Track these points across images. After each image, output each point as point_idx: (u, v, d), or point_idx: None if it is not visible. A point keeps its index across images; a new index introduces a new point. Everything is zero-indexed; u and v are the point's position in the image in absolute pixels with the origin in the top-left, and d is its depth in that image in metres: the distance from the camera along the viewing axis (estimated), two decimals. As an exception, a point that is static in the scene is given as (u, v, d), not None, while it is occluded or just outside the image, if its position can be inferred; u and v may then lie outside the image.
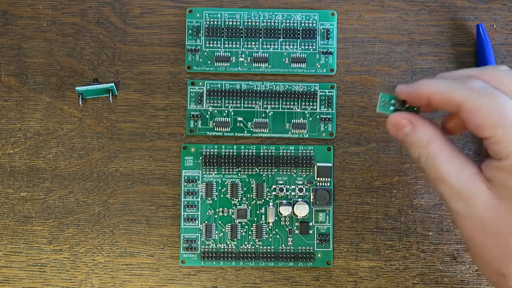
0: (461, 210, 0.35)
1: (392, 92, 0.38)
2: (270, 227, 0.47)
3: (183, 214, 0.47)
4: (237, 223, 0.47)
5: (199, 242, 0.47)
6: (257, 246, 0.47)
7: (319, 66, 0.48)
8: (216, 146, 0.48)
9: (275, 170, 0.47)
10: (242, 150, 0.48)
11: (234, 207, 0.47)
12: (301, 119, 0.48)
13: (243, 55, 0.48)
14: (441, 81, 0.36)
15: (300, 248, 0.47)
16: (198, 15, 0.48)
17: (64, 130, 0.48)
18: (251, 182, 0.47)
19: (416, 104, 0.38)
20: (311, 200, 0.47)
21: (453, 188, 0.35)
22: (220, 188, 0.47)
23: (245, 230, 0.47)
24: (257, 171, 0.47)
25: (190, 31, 0.48)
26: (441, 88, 0.36)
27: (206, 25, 0.48)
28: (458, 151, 0.36)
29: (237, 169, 0.47)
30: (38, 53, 0.48)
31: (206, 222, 0.47)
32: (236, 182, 0.47)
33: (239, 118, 0.48)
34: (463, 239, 0.38)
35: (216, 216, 0.47)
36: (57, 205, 0.48)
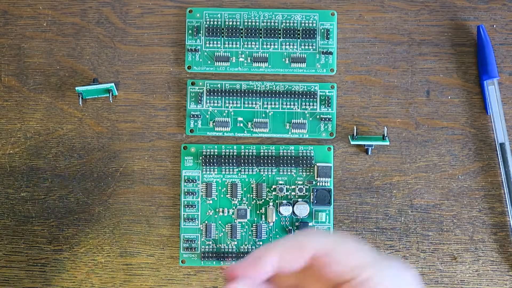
0: None
1: None
2: (270, 227, 0.47)
3: (183, 214, 0.47)
4: (237, 223, 0.47)
5: (199, 242, 0.47)
6: (257, 246, 0.47)
7: (319, 66, 0.48)
8: (216, 146, 0.48)
9: (275, 170, 0.47)
10: (242, 150, 0.48)
11: (234, 207, 0.47)
12: (301, 119, 0.48)
13: (243, 55, 0.48)
14: (282, 240, 0.33)
15: (300, 248, 0.47)
16: (198, 15, 0.48)
17: (64, 130, 0.48)
18: (251, 182, 0.47)
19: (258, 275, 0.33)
20: (311, 200, 0.47)
21: None
22: (220, 188, 0.47)
23: (245, 230, 0.47)
24: (257, 171, 0.47)
25: (190, 31, 0.48)
26: (289, 243, 0.32)
27: (206, 25, 0.48)
28: None
29: (237, 169, 0.47)
30: (38, 53, 0.48)
31: (206, 222, 0.47)
32: (236, 182, 0.47)
33: (239, 118, 0.48)
34: None
35: (216, 216, 0.47)
36: (57, 205, 0.48)
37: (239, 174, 0.47)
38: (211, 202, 0.47)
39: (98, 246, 0.47)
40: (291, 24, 0.48)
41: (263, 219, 0.47)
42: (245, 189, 0.47)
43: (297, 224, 0.47)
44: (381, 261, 0.32)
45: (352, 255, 0.32)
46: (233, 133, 0.48)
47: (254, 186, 0.47)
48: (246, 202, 0.47)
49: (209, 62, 0.48)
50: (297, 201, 0.47)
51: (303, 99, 0.48)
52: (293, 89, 0.48)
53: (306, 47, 0.48)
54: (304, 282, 0.34)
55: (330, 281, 0.32)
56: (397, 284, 0.31)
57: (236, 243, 0.47)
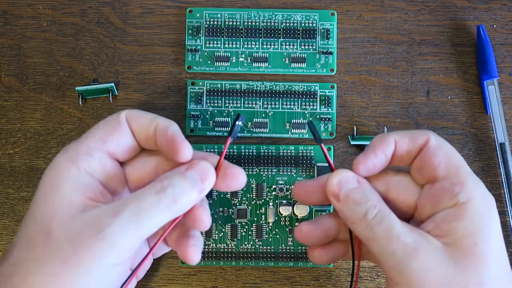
0: (420, 270, 0.32)
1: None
2: (270, 227, 0.47)
3: (183, 214, 0.47)
4: (237, 223, 0.47)
5: (199, 242, 0.47)
6: (257, 246, 0.47)
7: (319, 66, 0.48)
8: (216, 146, 0.48)
9: (275, 170, 0.47)
10: (242, 150, 0.48)
11: (234, 207, 0.47)
12: (301, 119, 0.48)
13: (243, 55, 0.48)
14: (399, 131, 0.37)
15: (300, 248, 0.47)
16: (198, 15, 0.48)
17: (64, 130, 0.48)
18: (251, 182, 0.47)
19: (379, 154, 0.36)
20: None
21: (408, 245, 0.32)
22: (220, 188, 0.47)
23: (245, 230, 0.47)
24: (257, 171, 0.47)
25: (190, 31, 0.48)
26: (405, 131, 0.36)
27: (206, 25, 0.48)
28: None
29: (237, 169, 0.47)
30: (38, 53, 0.48)
31: (206, 222, 0.47)
32: (236, 182, 0.47)
33: (239, 118, 0.48)
34: None
35: (216, 216, 0.47)
36: (57, 205, 0.48)
37: (239, 174, 0.47)
38: (211, 202, 0.47)
39: (98, 246, 0.47)
40: (291, 24, 0.48)
41: (263, 219, 0.47)
42: (245, 189, 0.47)
43: (297, 224, 0.47)
44: (475, 176, 0.35)
45: (454, 159, 0.35)
46: (233, 133, 0.48)
47: (254, 186, 0.47)
48: (246, 202, 0.47)
49: (209, 62, 0.48)
50: (297, 201, 0.47)
51: (303, 99, 0.48)
52: (293, 89, 0.48)
53: (306, 47, 0.48)
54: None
55: (425, 172, 0.35)
56: (481, 197, 0.33)
57: (236, 243, 0.47)
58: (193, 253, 0.38)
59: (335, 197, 0.35)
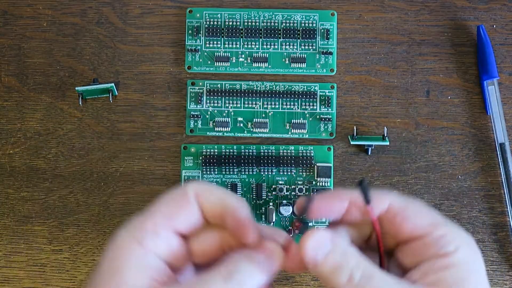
0: None
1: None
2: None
3: (183, 214, 0.47)
4: (237, 223, 0.47)
5: (199, 242, 0.47)
6: (257, 246, 0.47)
7: (319, 66, 0.48)
8: (216, 146, 0.48)
9: (275, 170, 0.47)
10: (242, 150, 0.48)
11: (234, 207, 0.47)
12: (301, 119, 0.48)
13: (243, 55, 0.48)
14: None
15: (300, 248, 0.47)
16: (198, 15, 0.48)
17: (64, 130, 0.48)
18: (251, 182, 0.47)
19: (332, 212, 0.34)
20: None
21: None
22: (220, 188, 0.47)
23: (245, 230, 0.47)
24: (257, 171, 0.47)
25: (190, 31, 0.48)
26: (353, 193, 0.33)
27: (206, 25, 0.48)
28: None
29: (237, 169, 0.47)
30: (38, 53, 0.48)
31: (206, 222, 0.47)
32: (236, 182, 0.47)
33: (239, 118, 0.48)
34: None
35: (216, 216, 0.47)
36: (57, 205, 0.48)
37: (239, 174, 0.47)
38: (211, 202, 0.47)
39: (98, 246, 0.47)
40: (291, 24, 0.48)
41: (263, 219, 0.47)
42: (245, 189, 0.47)
43: (297, 224, 0.47)
44: (451, 222, 0.33)
45: (426, 214, 0.33)
46: (233, 133, 0.48)
47: (254, 186, 0.47)
48: (246, 202, 0.47)
49: (209, 62, 0.48)
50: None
51: (303, 99, 0.48)
52: (293, 89, 0.48)
53: (306, 47, 0.48)
54: (371, 236, 0.35)
55: (399, 236, 0.33)
56: (466, 244, 0.32)
57: (236, 243, 0.47)
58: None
59: (314, 265, 0.32)
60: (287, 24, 0.48)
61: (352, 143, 0.47)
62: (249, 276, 0.33)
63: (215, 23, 0.48)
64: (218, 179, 0.47)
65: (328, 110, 0.48)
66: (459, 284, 0.31)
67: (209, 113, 0.48)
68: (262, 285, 0.34)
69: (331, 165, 0.47)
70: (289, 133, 0.48)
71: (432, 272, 0.32)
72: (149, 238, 0.33)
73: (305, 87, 0.48)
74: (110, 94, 0.47)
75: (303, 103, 0.48)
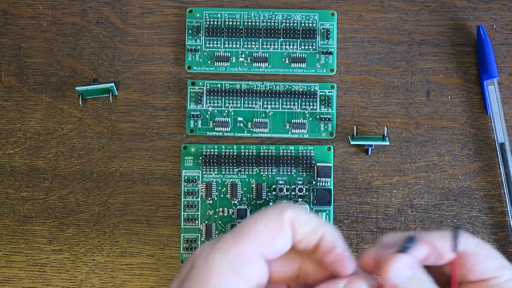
0: None
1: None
2: (270, 227, 0.47)
3: (183, 214, 0.47)
4: (237, 223, 0.47)
5: (199, 242, 0.47)
6: (257, 246, 0.47)
7: (319, 66, 0.48)
8: (216, 146, 0.48)
9: (275, 170, 0.47)
10: (242, 150, 0.48)
11: (234, 207, 0.47)
12: (301, 119, 0.48)
13: (243, 55, 0.48)
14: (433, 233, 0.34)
15: (300, 248, 0.47)
16: (198, 15, 0.48)
17: (64, 130, 0.48)
18: (251, 182, 0.47)
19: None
20: (311, 200, 0.47)
21: None
22: (220, 188, 0.47)
23: (245, 230, 0.47)
24: (257, 171, 0.47)
25: (190, 31, 0.48)
26: (435, 236, 0.33)
27: (206, 25, 0.48)
28: None
29: (237, 169, 0.47)
30: (38, 53, 0.48)
31: (206, 222, 0.47)
32: (236, 182, 0.47)
33: (239, 118, 0.48)
34: None
35: (216, 216, 0.47)
36: (57, 205, 0.48)
37: (239, 174, 0.47)
38: (211, 202, 0.47)
39: (98, 246, 0.47)
40: (291, 24, 0.48)
41: (263, 219, 0.47)
42: (245, 189, 0.47)
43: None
44: None
45: (495, 257, 0.34)
46: (233, 133, 0.48)
47: (254, 186, 0.47)
48: (246, 202, 0.47)
49: (209, 62, 0.48)
50: (297, 201, 0.47)
51: (303, 99, 0.48)
52: (293, 89, 0.48)
53: (306, 47, 0.48)
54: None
55: (467, 278, 0.34)
56: None
57: (236, 243, 0.47)
58: None
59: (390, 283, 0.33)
60: (287, 24, 0.48)
61: (352, 143, 0.47)
62: None
63: (215, 23, 0.48)
64: (218, 179, 0.47)
65: (328, 110, 0.48)
66: None
67: (209, 113, 0.48)
68: None
69: (331, 165, 0.47)
70: (289, 133, 0.48)
71: None
72: (245, 268, 0.32)
73: (305, 87, 0.48)
74: (110, 94, 0.47)
75: (303, 103, 0.48)
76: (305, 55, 0.48)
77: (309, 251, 0.34)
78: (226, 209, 0.47)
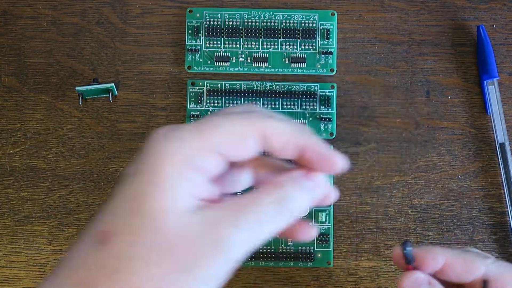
0: None
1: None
2: (270, 227, 0.47)
3: (183, 214, 0.47)
4: (237, 223, 0.47)
5: (199, 242, 0.47)
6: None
7: (319, 66, 0.48)
8: (216, 146, 0.47)
9: (275, 170, 0.47)
10: (242, 150, 0.47)
11: (234, 207, 0.47)
12: (301, 119, 0.48)
13: (243, 55, 0.48)
14: (455, 250, 0.35)
15: (300, 248, 0.47)
16: (198, 15, 0.48)
17: (64, 130, 0.48)
18: (251, 182, 0.47)
19: (423, 268, 0.35)
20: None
21: None
22: (220, 188, 0.47)
23: (245, 230, 0.47)
24: (257, 171, 0.47)
25: (190, 31, 0.48)
26: (460, 256, 0.35)
27: (206, 25, 0.48)
28: None
29: (237, 169, 0.47)
30: (38, 53, 0.48)
31: (206, 222, 0.47)
32: (236, 182, 0.47)
33: (239, 118, 0.48)
34: None
35: (216, 216, 0.47)
36: (57, 205, 0.48)
37: (239, 174, 0.47)
38: (211, 202, 0.47)
39: (98, 246, 0.47)
40: (291, 24, 0.48)
41: (263, 219, 0.47)
42: (245, 189, 0.47)
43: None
44: None
45: None
46: (233, 133, 0.48)
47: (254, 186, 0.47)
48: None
49: (209, 62, 0.48)
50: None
51: (303, 99, 0.48)
52: (293, 89, 0.48)
53: (306, 47, 0.48)
54: None
55: None
56: None
57: (236, 243, 0.47)
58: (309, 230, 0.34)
59: None
60: (287, 24, 0.48)
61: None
62: (299, 205, 0.32)
63: (215, 23, 0.48)
64: (218, 179, 0.47)
65: (328, 110, 0.48)
66: None
67: (209, 113, 0.48)
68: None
69: (331, 165, 0.47)
70: (289, 133, 0.48)
71: None
72: (198, 158, 0.30)
73: (305, 87, 0.48)
74: (110, 94, 0.47)
75: (303, 103, 0.48)
76: (305, 55, 0.48)
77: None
78: (226, 209, 0.47)
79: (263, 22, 0.48)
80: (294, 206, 0.31)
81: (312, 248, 0.47)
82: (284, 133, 0.32)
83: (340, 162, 0.33)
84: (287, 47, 0.48)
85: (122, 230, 0.29)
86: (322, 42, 0.48)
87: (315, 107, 0.48)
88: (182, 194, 0.30)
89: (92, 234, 0.30)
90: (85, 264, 0.29)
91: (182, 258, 0.29)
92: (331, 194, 0.34)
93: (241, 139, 0.31)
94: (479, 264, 0.34)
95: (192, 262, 0.29)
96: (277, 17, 0.48)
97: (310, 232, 0.34)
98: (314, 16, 0.48)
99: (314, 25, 0.48)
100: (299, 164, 0.33)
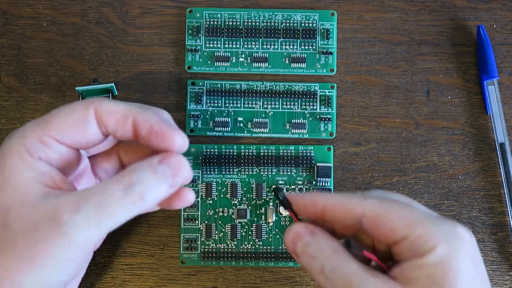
0: None
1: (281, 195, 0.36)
2: (270, 227, 0.47)
3: (183, 214, 0.47)
4: (237, 223, 0.47)
5: (199, 242, 0.47)
6: (257, 246, 0.47)
7: (319, 66, 0.48)
8: (216, 146, 0.48)
9: (275, 170, 0.47)
10: (242, 150, 0.48)
11: (234, 207, 0.47)
12: (301, 119, 0.48)
13: (243, 55, 0.48)
14: (335, 193, 0.34)
15: (300, 248, 0.47)
16: (198, 15, 0.48)
17: (64, 130, 0.48)
18: (251, 182, 0.47)
19: (305, 215, 0.35)
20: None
21: None
22: (220, 188, 0.47)
23: (245, 230, 0.47)
24: (257, 171, 0.47)
25: (190, 31, 0.48)
26: (339, 199, 0.34)
27: (206, 25, 0.48)
28: (362, 262, 0.33)
29: (237, 169, 0.47)
30: (38, 53, 0.48)
31: (206, 222, 0.47)
32: (236, 182, 0.47)
33: (239, 118, 0.48)
34: None
35: (216, 216, 0.47)
36: (57, 205, 0.48)
37: (239, 174, 0.47)
38: (211, 202, 0.47)
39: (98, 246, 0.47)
40: (291, 24, 0.48)
41: (263, 219, 0.47)
42: (245, 189, 0.47)
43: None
44: (433, 218, 0.33)
45: (402, 216, 0.32)
46: (233, 133, 0.48)
47: (254, 186, 0.47)
48: (246, 202, 0.47)
49: (209, 62, 0.48)
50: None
51: (303, 99, 0.48)
52: (293, 89, 0.48)
53: (306, 47, 0.48)
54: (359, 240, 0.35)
55: (381, 241, 0.33)
56: (449, 239, 0.32)
57: (236, 243, 0.47)
58: (187, 194, 0.36)
59: (293, 254, 0.34)
60: (287, 24, 0.48)
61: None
62: (150, 188, 0.33)
63: (215, 23, 0.48)
64: (218, 179, 0.47)
65: (328, 110, 0.48)
66: (433, 285, 0.31)
67: (209, 113, 0.48)
68: (164, 198, 0.34)
69: (331, 165, 0.47)
70: (289, 133, 0.48)
71: (409, 270, 0.32)
72: (38, 149, 0.33)
73: (305, 87, 0.48)
74: (110, 94, 0.47)
75: (303, 103, 0.48)
76: (305, 55, 0.48)
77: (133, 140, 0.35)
78: (226, 209, 0.47)
79: (263, 22, 0.48)
80: (144, 189, 0.32)
81: (312, 248, 0.47)
82: (116, 111, 0.33)
83: (178, 139, 0.34)
84: (287, 47, 0.48)
85: None
86: (322, 42, 0.48)
87: (315, 107, 0.48)
88: (26, 184, 0.31)
89: None
90: None
91: (23, 246, 0.31)
92: (186, 193, 0.35)
93: (78, 122, 0.33)
94: (356, 205, 0.33)
95: (35, 249, 0.31)
96: (277, 17, 0.48)
97: (187, 197, 0.36)
98: (314, 16, 0.48)
99: (314, 25, 0.48)
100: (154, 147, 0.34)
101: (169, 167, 0.34)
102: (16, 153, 0.32)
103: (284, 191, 0.34)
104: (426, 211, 0.34)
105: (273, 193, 0.35)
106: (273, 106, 0.48)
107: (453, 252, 0.31)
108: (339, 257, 0.33)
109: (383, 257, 0.35)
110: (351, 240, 0.35)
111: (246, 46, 0.48)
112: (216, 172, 0.47)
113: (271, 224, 0.47)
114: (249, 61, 0.48)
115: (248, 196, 0.47)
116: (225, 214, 0.47)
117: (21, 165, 0.32)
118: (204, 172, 0.47)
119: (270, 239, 0.47)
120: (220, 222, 0.47)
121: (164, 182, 0.33)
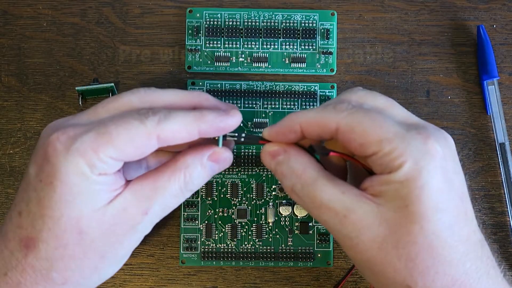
0: (352, 234, 0.32)
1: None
2: (270, 227, 0.47)
3: (183, 214, 0.47)
4: (237, 223, 0.47)
5: (199, 242, 0.47)
6: (257, 246, 0.47)
7: (319, 66, 0.48)
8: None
9: (275, 170, 0.47)
10: (242, 150, 0.48)
11: (234, 207, 0.47)
12: (301, 119, 0.48)
13: (243, 55, 0.48)
14: (309, 110, 0.35)
15: (300, 248, 0.47)
16: (198, 15, 0.48)
17: (64, 130, 0.48)
18: (251, 182, 0.47)
19: (289, 140, 0.36)
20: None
21: (338, 213, 0.33)
22: (220, 188, 0.47)
23: (245, 230, 0.47)
24: (257, 171, 0.47)
25: (190, 31, 0.48)
26: (312, 115, 0.34)
27: (206, 25, 0.48)
28: (335, 177, 0.34)
29: (237, 169, 0.47)
30: (38, 53, 0.48)
31: (206, 222, 0.47)
32: (236, 182, 0.47)
33: (239, 118, 0.48)
34: (357, 264, 0.34)
35: (216, 216, 0.47)
36: (57, 205, 0.48)
37: (239, 174, 0.47)
38: (211, 202, 0.47)
39: (98, 246, 0.47)
40: (291, 24, 0.48)
41: (263, 219, 0.47)
42: (245, 189, 0.47)
43: (297, 224, 0.47)
44: (404, 132, 0.33)
45: (374, 131, 0.33)
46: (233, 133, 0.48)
47: (254, 186, 0.47)
48: (246, 202, 0.47)
49: (209, 62, 0.48)
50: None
51: (303, 99, 0.48)
52: (293, 89, 0.48)
53: (306, 47, 0.48)
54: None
55: (357, 154, 0.34)
56: (417, 156, 0.32)
57: (236, 243, 0.47)
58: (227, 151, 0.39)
59: (271, 171, 0.37)
60: (287, 24, 0.48)
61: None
62: (199, 184, 0.37)
63: (215, 23, 0.48)
64: (218, 179, 0.47)
65: (328, 110, 0.48)
66: (400, 199, 0.32)
67: (209, 113, 0.48)
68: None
69: (331, 165, 0.47)
70: (289, 133, 0.48)
71: (377, 184, 0.33)
72: (99, 166, 0.34)
73: (305, 87, 0.48)
74: (110, 94, 0.47)
75: (303, 103, 0.48)
76: (305, 55, 0.48)
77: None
78: (226, 209, 0.47)
79: (263, 22, 0.48)
80: (195, 187, 0.37)
81: (312, 248, 0.47)
82: (179, 133, 0.35)
83: (232, 121, 0.37)
84: (287, 47, 0.48)
85: (47, 236, 0.33)
86: (322, 42, 0.48)
87: (315, 107, 0.48)
88: (91, 196, 0.34)
89: (16, 240, 0.34)
90: (14, 268, 0.34)
91: (104, 248, 0.34)
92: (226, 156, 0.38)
93: (140, 148, 0.34)
94: (329, 120, 0.34)
95: (112, 249, 0.35)
96: (277, 17, 0.48)
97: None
98: (314, 16, 0.48)
99: (314, 25, 0.48)
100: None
101: (218, 164, 0.38)
102: (80, 173, 0.33)
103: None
104: (401, 119, 0.34)
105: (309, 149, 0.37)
106: (273, 106, 0.48)
107: (420, 169, 0.32)
108: (308, 175, 0.34)
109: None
110: (314, 145, 0.36)
111: (246, 46, 0.48)
112: (216, 172, 0.47)
113: (271, 224, 0.47)
114: (249, 61, 0.48)
115: (248, 196, 0.47)
116: (225, 214, 0.47)
117: (86, 182, 0.34)
118: (204, 172, 0.47)
119: (270, 239, 0.47)
120: (220, 222, 0.47)
121: (211, 175, 0.38)
